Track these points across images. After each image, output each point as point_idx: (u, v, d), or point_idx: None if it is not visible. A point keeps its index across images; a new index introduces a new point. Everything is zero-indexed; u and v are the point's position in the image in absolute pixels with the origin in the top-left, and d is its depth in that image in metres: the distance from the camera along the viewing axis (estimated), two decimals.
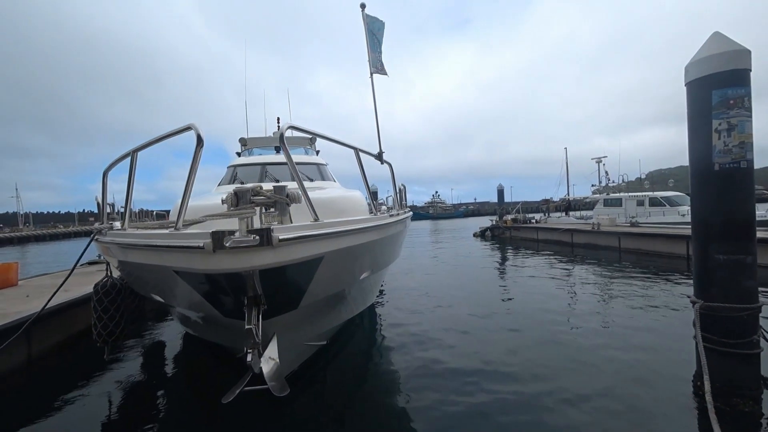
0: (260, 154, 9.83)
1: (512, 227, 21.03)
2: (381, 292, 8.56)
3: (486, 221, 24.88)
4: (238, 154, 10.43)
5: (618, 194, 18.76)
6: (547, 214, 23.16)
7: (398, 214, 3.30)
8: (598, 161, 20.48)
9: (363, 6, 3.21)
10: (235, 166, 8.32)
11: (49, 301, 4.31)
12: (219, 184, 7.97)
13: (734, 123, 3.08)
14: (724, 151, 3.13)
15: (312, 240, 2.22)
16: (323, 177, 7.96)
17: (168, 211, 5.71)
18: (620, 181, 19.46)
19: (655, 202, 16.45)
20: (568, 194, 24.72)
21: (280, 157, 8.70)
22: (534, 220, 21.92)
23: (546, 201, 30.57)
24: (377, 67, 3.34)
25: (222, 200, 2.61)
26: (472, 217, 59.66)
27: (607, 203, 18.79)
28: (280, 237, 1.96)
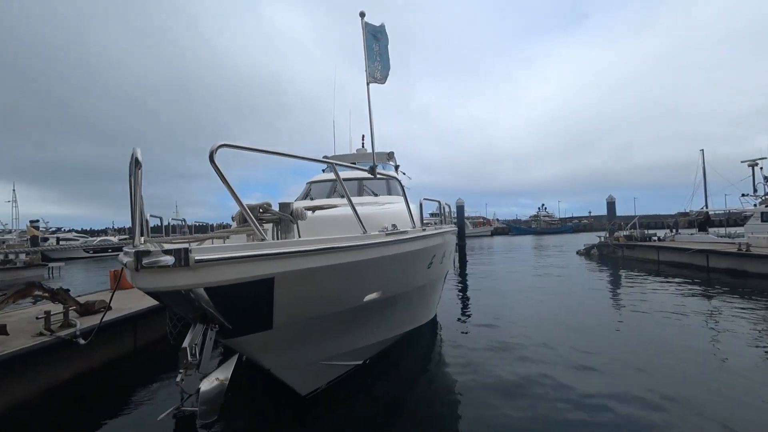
0: (342, 170, 10.56)
1: (624, 245, 17.75)
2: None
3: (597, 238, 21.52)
4: (324, 171, 11.43)
5: None
6: (675, 231, 18.85)
7: (403, 233, 3.08)
8: (753, 164, 15.72)
9: (362, 14, 3.21)
10: (310, 183, 9.11)
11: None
12: (295, 200, 8.77)
13: None
14: None
15: (246, 261, 2.12)
16: (390, 192, 8.05)
17: (210, 225, 6.32)
18: None
19: None
20: (706, 206, 19.63)
21: (354, 173, 9.19)
22: (656, 238, 18.09)
23: (684, 215, 25.19)
24: (375, 76, 3.28)
25: (232, 217, 2.89)
26: (584, 233, 52.40)
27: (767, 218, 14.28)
28: (197, 258, 1.90)
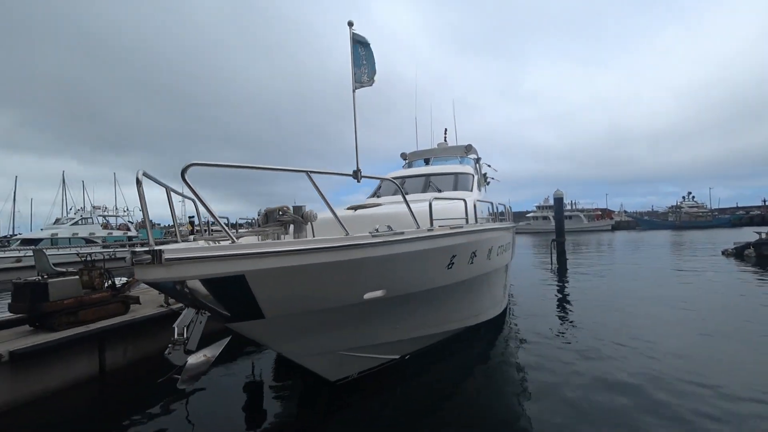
0: (419, 166, 10.75)
1: None
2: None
3: None
4: (403, 167, 11.75)
5: None
6: None
7: (398, 234, 3.04)
8: None
9: (351, 24, 3.26)
10: (381, 179, 9.50)
11: None
12: (368, 197, 9.25)
13: None
14: None
15: (211, 260, 2.43)
16: (456, 187, 7.87)
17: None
18: None
19: None
20: None
21: (428, 169, 9.22)
22: None
23: None
24: (361, 81, 3.28)
25: (258, 214, 3.42)
26: (749, 227, 39.46)
27: None
28: (167, 257, 2.27)
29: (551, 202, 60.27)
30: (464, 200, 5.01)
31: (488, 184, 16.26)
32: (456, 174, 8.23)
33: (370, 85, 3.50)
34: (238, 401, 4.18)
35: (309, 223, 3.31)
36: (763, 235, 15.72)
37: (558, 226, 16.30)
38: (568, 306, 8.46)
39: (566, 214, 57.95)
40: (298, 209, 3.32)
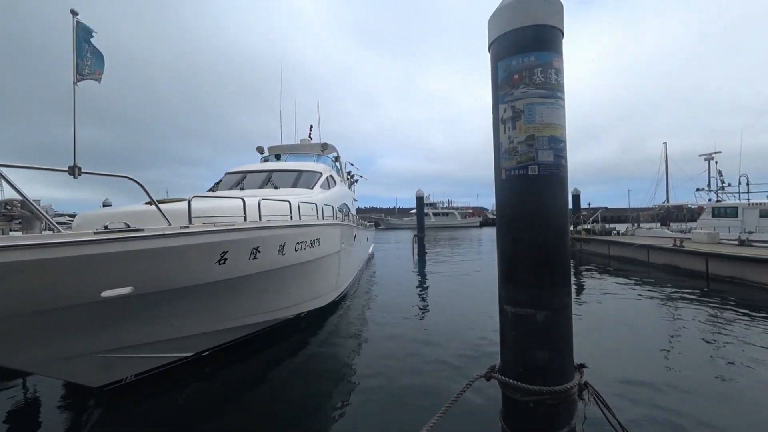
0: (273, 161, 10.59)
1: (582, 239, 17.71)
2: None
3: None
4: (260, 161, 11.40)
5: (734, 202, 13.96)
6: (636, 225, 18.79)
7: (134, 231, 2.99)
8: (709, 158, 15.51)
9: (74, 12, 3.06)
10: (229, 173, 9.04)
11: None
12: (208, 189, 8.72)
13: (519, 108, 2.00)
14: (510, 151, 2.06)
15: None
16: (296, 185, 8.06)
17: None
18: (739, 184, 14.26)
19: None
20: (668, 200, 19.52)
21: (271, 166, 9.19)
22: (616, 232, 18.05)
23: (664, 208, 25.31)
24: (83, 74, 3.14)
25: None
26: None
27: (718, 213, 14.20)
28: None
29: (432, 200, 66.69)
30: (288, 200, 5.22)
31: (356, 182, 17.09)
32: (300, 171, 8.41)
33: (97, 81, 3.26)
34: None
35: (42, 220, 2.96)
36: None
37: (419, 222, 18.16)
38: (414, 293, 9.52)
39: (443, 211, 64.71)
40: (24, 204, 2.92)
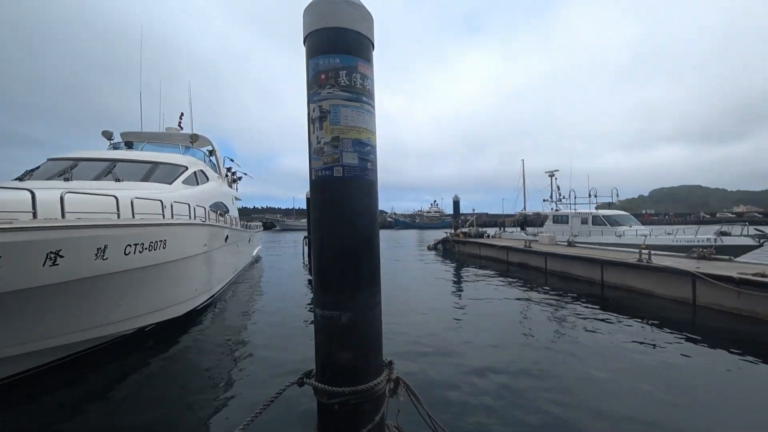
0: (123, 149, 9.05)
1: (461, 241, 19.87)
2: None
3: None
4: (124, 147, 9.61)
5: (566, 211, 17.55)
6: (502, 229, 21.98)
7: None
8: (551, 175, 19.30)
9: None
10: (53, 159, 7.35)
11: None
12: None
13: (326, 108, 2.02)
14: (317, 151, 2.06)
15: None
16: (148, 178, 7.00)
17: None
18: (569, 196, 18.23)
19: (597, 221, 15.22)
20: (525, 209, 23.54)
21: (117, 154, 7.79)
22: (487, 235, 20.75)
23: (522, 215, 29.67)
24: None
25: None
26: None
27: (557, 220, 17.59)
28: None
29: None
30: (115, 196, 4.54)
31: (239, 180, 15.90)
32: (156, 164, 7.31)
33: None
34: None
35: None
36: (447, 235, 22.47)
37: (309, 224, 17.91)
38: (293, 298, 9.12)
39: None
40: None
